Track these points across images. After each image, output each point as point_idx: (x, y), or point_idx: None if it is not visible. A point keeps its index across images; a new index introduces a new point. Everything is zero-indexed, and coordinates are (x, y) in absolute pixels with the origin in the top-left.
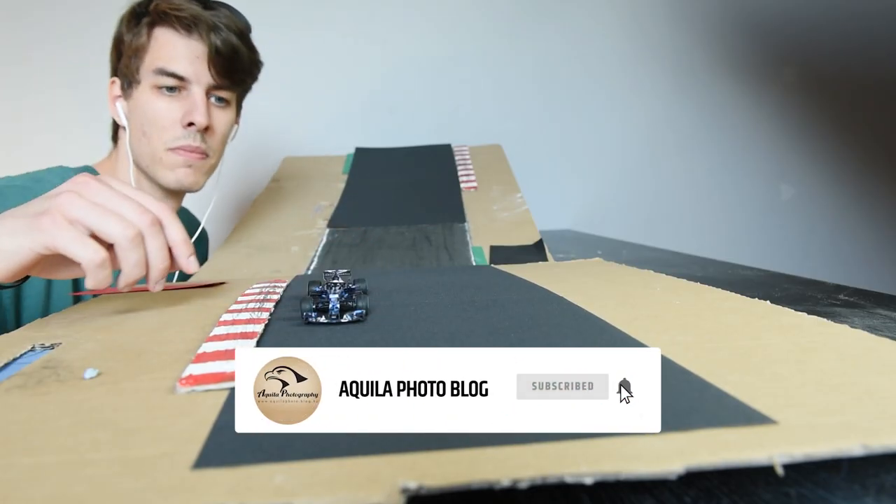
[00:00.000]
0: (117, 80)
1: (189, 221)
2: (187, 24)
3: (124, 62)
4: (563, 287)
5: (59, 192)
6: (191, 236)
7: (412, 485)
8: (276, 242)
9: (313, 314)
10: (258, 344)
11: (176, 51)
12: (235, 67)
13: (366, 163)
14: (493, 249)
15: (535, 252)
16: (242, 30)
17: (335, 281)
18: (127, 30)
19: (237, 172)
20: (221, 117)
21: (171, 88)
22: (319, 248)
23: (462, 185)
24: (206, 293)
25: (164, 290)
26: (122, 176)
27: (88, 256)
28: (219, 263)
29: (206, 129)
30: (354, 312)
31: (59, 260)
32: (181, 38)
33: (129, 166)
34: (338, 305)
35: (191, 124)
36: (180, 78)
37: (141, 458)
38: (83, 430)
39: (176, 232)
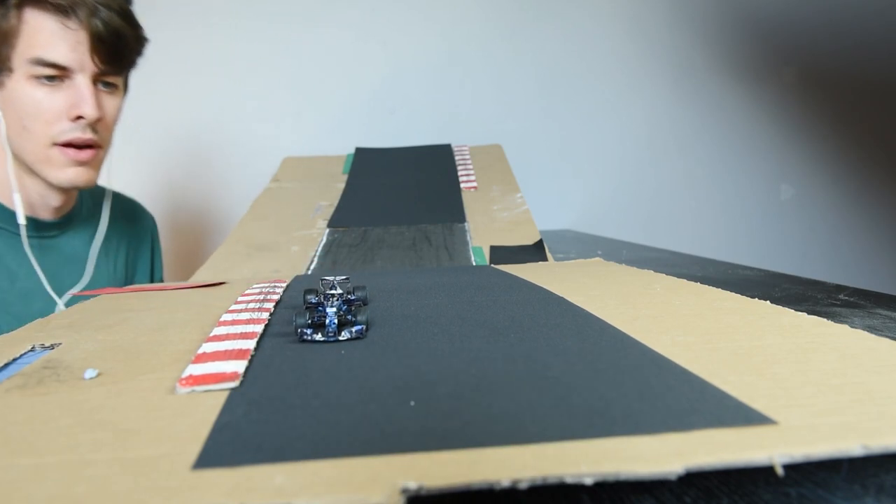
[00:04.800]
0: None
1: (132, 210)
2: (64, 9)
3: None
4: (563, 287)
5: None
6: (133, 223)
7: (412, 485)
8: (276, 242)
9: (308, 331)
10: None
11: (53, 37)
12: (121, 52)
13: (366, 163)
14: (493, 249)
15: (535, 252)
16: (123, 6)
17: (332, 291)
18: None
19: (237, 172)
20: (111, 103)
21: (51, 77)
22: (319, 248)
23: (462, 185)
24: (206, 293)
25: (163, 290)
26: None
27: None
28: (218, 263)
29: (97, 120)
30: (354, 329)
31: None
32: (57, 22)
33: (8, 161)
34: (335, 321)
35: (79, 117)
36: (61, 68)
37: (141, 459)
38: (83, 430)
39: None
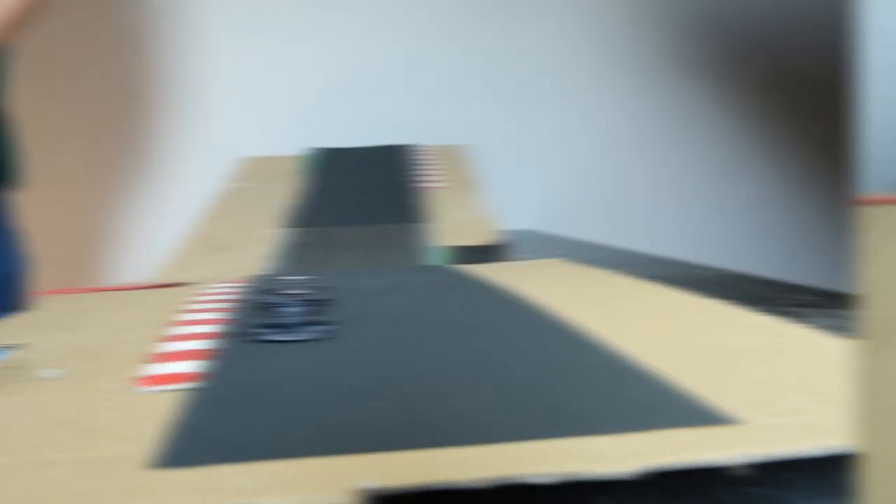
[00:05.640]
0: None
1: None
2: None
3: None
4: (525, 287)
5: None
6: None
7: (373, 485)
8: (235, 243)
9: (268, 331)
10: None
11: None
12: None
13: (326, 162)
14: (455, 250)
15: (496, 252)
16: None
17: (291, 291)
18: None
19: (193, 172)
20: None
21: None
22: (278, 249)
23: (424, 185)
24: (165, 294)
25: (122, 290)
26: None
27: None
28: (177, 264)
29: None
30: (314, 329)
31: None
32: None
33: None
34: (295, 321)
35: None
36: None
37: (102, 459)
38: (45, 430)
39: None
